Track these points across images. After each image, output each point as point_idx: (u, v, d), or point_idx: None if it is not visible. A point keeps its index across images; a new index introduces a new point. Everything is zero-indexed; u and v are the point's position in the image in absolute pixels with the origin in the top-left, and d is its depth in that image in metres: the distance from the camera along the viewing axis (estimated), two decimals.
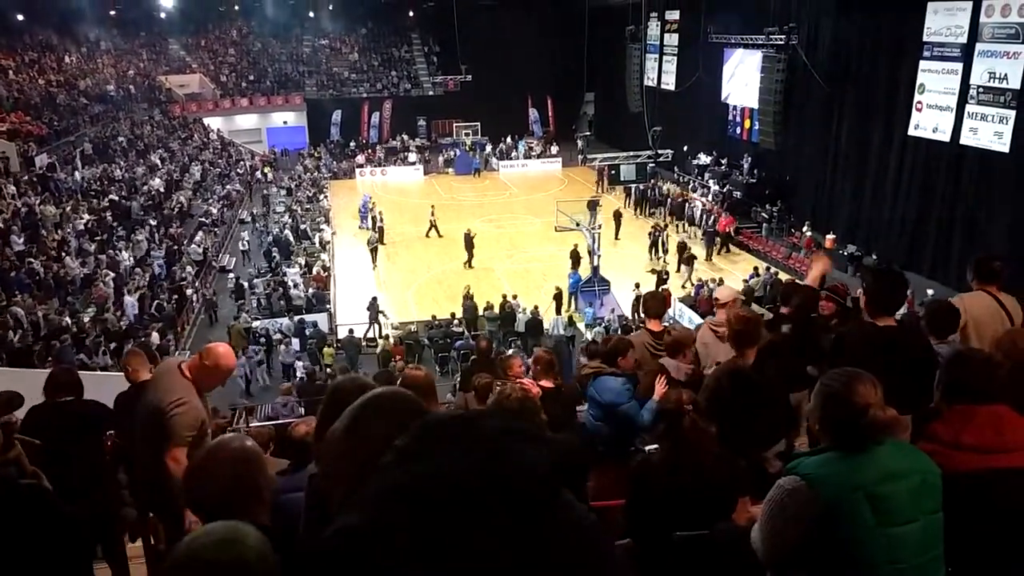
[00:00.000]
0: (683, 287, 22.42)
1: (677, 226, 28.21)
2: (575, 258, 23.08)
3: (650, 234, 25.79)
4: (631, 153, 29.06)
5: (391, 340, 18.98)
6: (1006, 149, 18.42)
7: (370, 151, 40.69)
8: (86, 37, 40.21)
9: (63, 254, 20.14)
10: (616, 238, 27.31)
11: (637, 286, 20.90)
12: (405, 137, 42.18)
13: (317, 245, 26.51)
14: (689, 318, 19.58)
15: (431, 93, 44.37)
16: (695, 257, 24.14)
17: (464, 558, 0.92)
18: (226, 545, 1.38)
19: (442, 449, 1.01)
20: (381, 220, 28.40)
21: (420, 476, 0.97)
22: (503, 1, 42.89)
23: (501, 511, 0.95)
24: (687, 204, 28.81)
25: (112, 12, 40.98)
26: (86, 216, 23.01)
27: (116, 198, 25.44)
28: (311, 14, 45.33)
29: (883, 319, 3.71)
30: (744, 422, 3.81)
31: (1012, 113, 18.24)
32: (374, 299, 20.89)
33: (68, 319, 17.11)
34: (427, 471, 0.98)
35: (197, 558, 1.35)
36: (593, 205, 23.47)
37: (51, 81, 33.38)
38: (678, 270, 23.81)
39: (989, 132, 18.94)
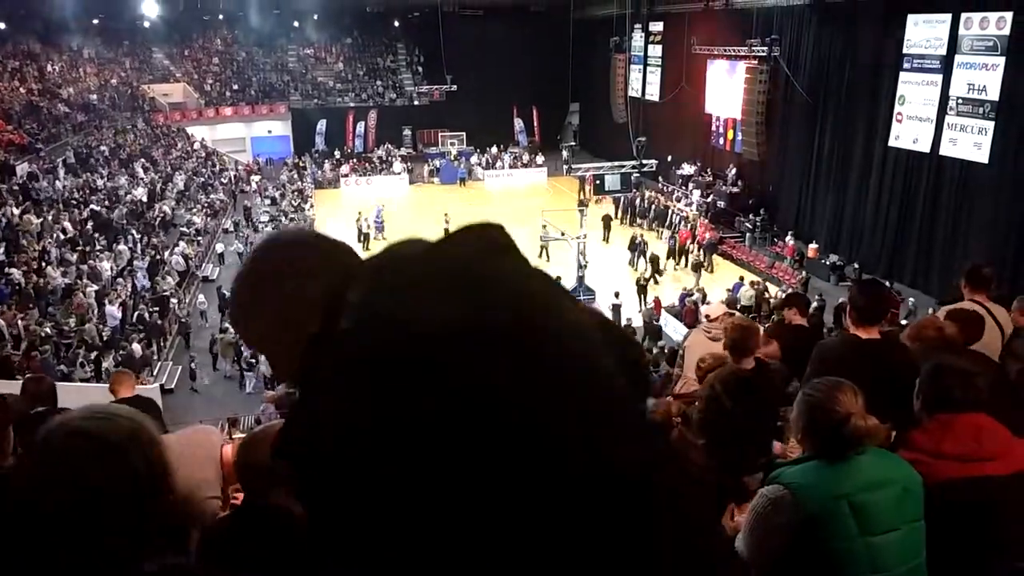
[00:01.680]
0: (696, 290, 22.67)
1: (659, 232, 28.44)
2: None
3: (631, 245, 25.99)
4: (616, 163, 29.20)
5: None
6: (985, 160, 18.66)
7: (355, 160, 40.63)
8: (69, 46, 39.95)
9: (44, 264, 19.96)
10: (605, 240, 27.57)
11: (617, 295, 21.00)
12: (390, 146, 42.16)
13: None
14: (674, 327, 19.67)
15: (416, 103, 44.39)
16: (702, 264, 24.36)
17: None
18: (97, 418, 1.22)
19: (413, 299, 0.94)
20: (368, 227, 28.49)
21: (395, 341, 0.91)
22: (488, 11, 43.07)
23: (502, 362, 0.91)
24: (669, 211, 29.09)
25: (95, 21, 40.78)
26: (68, 226, 22.82)
27: (98, 208, 25.26)
28: (296, 24, 45.29)
29: (867, 331, 3.75)
30: (740, 429, 3.84)
31: (991, 124, 18.49)
32: None
33: (49, 329, 16.95)
34: (400, 332, 0.91)
35: (68, 429, 1.20)
36: (582, 208, 23.73)
37: (33, 90, 33.13)
38: (657, 282, 23.98)
39: (968, 143, 19.18)
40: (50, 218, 22.66)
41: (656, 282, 23.89)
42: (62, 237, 22.01)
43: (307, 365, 1.00)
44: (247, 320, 1.12)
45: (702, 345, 5.35)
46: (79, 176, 27.81)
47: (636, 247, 25.72)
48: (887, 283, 19.15)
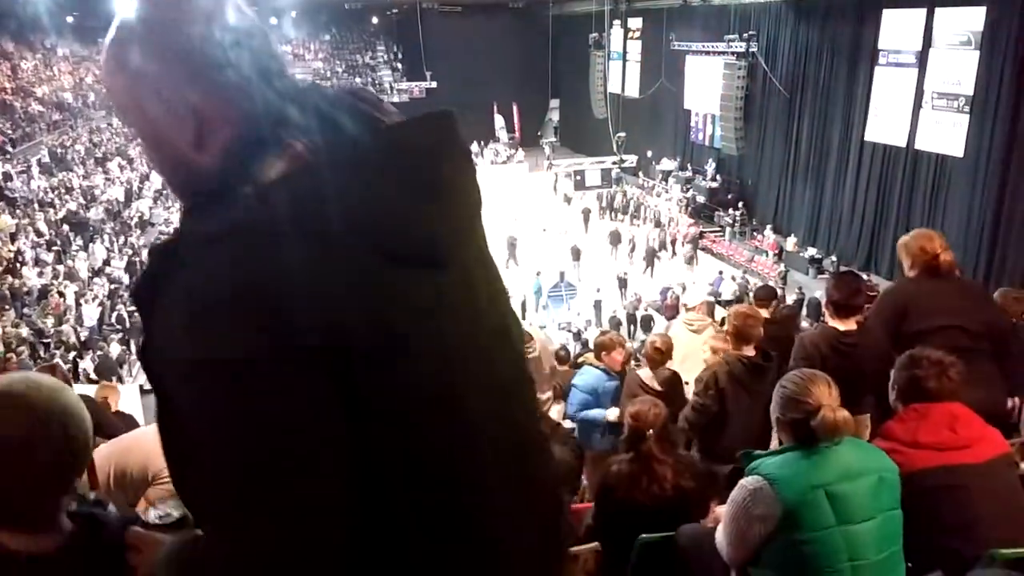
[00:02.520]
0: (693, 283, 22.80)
1: (638, 226, 28.52)
2: (575, 253, 23.75)
3: (612, 239, 26.11)
4: (596, 159, 29.29)
5: None
6: (960, 153, 18.86)
7: None
8: (42, 44, 39.38)
9: (19, 265, 19.71)
10: (585, 231, 27.72)
11: (598, 290, 21.09)
12: None
13: None
14: (656, 321, 19.74)
15: (396, 100, 44.14)
16: (695, 257, 24.52)
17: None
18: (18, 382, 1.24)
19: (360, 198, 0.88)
20: None
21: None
22: (467, 8, 42.93)
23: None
24: (643, 207, 29.24)
25: (69, 19, 40.20)
26: (42, 226, 22.55)
27: (74, 207, 24.97)
28: (273, 20, 44.86)
29: (844, 322, 3.80)
30: (739, 419, 3.88)
31: (965, 118, 18.68)
32: None
33: (25, 331, 16.74)
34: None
35: None
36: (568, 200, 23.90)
37: (6, 88, 32.67)
38: (645, 272, 24.12)
39: (943, 136, 19.38)
40: (24, 219, 22.38)
41: (652, 275, 24.00)
42: (37, 238, 21.74)
43: (205, 203, 0.89)
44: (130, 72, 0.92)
45: (683, 338, 5.39)
46: (54, 175, 27.46)
47: (617, 241, 25.87)
48: (864, 275, 19.33)
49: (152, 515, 1.28)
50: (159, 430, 0.92)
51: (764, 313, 5.87)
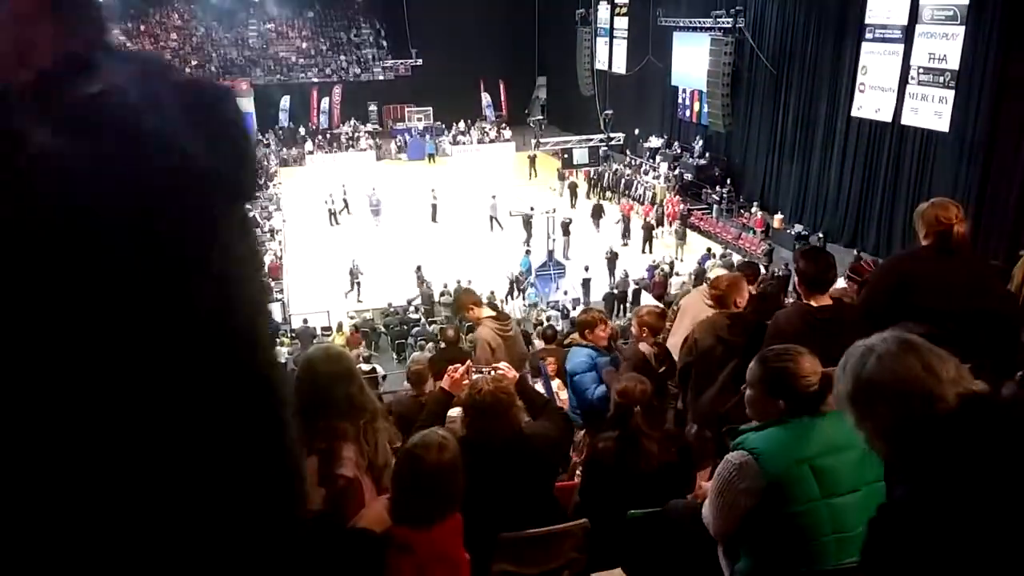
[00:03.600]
0: (680, 260, 23.05)
1: (626, 202, 28.52)
2: (565, 227, 23.73)
3: (594, 213, 26.13)
4: (583, 137, 29.18)
5: (346, 329, 18.80)
6: (945, 128, 18.91)
7: (320, 137, 40.14)
8: None
9: None
10: (572, 207, 27.67)
11: (587, 269, 21.12)
12: (356, 123, 41.68)
13: (267, 233, 26.09)
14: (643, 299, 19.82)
15: (381, 78, 43.84)
16: (685, 235, 24.62)
17: None
18: None
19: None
20: (332, 202, 28.18)
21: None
22: None
23: None
24: (634, 184, 29.23)
25: None
26: None
27: None
28: None
29: (818, 298, 3.81)
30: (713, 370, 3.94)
31: (951, 93, 18.71)
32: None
33: None
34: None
35: None
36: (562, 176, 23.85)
37: None
38: (643, 250, 24.16)
39: (929, 112, 19.42)
40: None
41: (650, 252, 24.00)
42: None
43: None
44: None
45: (698, 307, 5.34)
46: None
47: (599, 216, 25.93)
48: (853, 252, 19.45)
49: None
50: None
51: (751, 289, 5.91)
